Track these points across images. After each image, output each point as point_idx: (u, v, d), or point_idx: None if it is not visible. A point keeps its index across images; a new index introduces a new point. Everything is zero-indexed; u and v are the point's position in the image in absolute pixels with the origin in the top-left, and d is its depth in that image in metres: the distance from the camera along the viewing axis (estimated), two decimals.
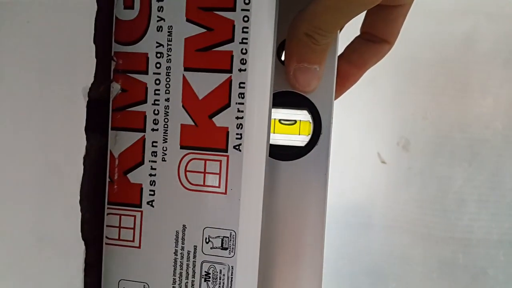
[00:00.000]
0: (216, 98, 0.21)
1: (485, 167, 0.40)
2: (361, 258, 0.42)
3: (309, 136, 0.25)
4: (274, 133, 0.27)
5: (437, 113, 0.41)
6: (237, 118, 0.21)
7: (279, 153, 0.26)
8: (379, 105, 0.42)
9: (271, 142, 0.26)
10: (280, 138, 0.26)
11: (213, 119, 0.21)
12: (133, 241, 0.22)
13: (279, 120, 0.26)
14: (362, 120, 0.41)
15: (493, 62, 0.41)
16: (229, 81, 0.21)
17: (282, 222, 0.26)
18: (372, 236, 0.42)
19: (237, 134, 0.21)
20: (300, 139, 0.26)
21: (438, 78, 0.41)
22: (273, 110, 0.26)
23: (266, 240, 0.24)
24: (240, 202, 0.21)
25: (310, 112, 0.25)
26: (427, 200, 0.41)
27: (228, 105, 0.21)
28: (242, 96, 0.21)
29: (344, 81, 0.26)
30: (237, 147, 0.21)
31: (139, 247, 0.22)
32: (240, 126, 0.21)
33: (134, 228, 0.22)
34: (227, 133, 0.21)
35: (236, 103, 0.21)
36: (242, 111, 0.21)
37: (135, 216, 0.22)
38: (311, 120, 0.25)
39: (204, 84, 0.21)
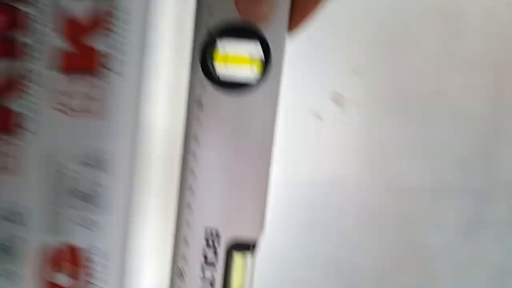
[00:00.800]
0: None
1: (416, 118, 0.42)
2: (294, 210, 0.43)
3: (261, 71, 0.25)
4: (226, 66, 0.26)
5: (369, 66, 0.42)
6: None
7: (230, 87, 0.26)
8: (310, 59, 0.43)
9: (221, 75, 0.26)
10: (231, 72, 0.26)
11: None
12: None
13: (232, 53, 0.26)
14: (295, 74, 0.42)
15: (425, 15, 0.43)
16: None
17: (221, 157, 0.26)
18: (312, 190, 0.43)
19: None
20: (251, 74, 0.26)
21: (371, 30, 0.43)
22: (222, 42, 0.26)
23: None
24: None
25: (261, 45, 0.25)
26: (361, 152, 0.43)
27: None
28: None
29: (301, 8, 0.25)
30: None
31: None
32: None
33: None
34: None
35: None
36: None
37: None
38: (262, 55, 0.25)
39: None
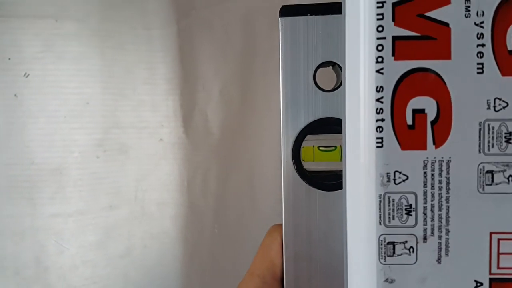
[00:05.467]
0: None
1: None
2: None
3: None
4: (314, 161, 0.26)
5: None
6: None
7: (320, 182, 0.25)
8: None
9: (313, 169, 0.26)
10: (321, 166, 0.26)
11: None
12: None
13: (318, 147, 0.26)
14: None
15: None
16: None
17: None
18: None
19: None
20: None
21: None
22: (311, 137, 0.26)
23: None
24: None
25: None
26: None
27: None
28: None
29: None
30: None
31: None
32: None
33: None
34: None
35: None
36: None
37: None
38: None
39: None
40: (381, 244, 0.20)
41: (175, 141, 0.39)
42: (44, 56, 0.36)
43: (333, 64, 0.25)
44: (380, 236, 0.20)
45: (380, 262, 0.20)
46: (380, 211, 0.20)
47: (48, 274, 0.37)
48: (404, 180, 0.20)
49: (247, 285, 0.26)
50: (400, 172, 0.20)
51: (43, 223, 0.36)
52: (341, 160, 0.25)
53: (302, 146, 0.26)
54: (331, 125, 0.25)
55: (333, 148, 0.26)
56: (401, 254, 0.20)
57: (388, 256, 0.20)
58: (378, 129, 0.20)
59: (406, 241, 0.20)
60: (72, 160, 0.37)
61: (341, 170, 0.24)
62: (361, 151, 0.20)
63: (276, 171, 0.27)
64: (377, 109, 0.20)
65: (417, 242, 0.20)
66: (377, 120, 0.20)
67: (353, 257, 0.20)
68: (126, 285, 0.39)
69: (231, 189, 0.40)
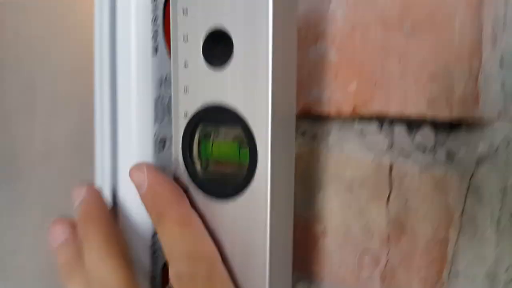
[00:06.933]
0: None
1: None
2: None
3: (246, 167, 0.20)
4: (212, 154, 0.21)
5: None
6: None
7: (214, 189, 0.21)
8: None
9: (210, 172, 0.21)
10: (219, 166, 0.21)
11: None
12: None
13: (217, 141, 0.21)
14: None
15: None
16: None
17: None
18: None
19: None
20: (241, 165, 0.21)
21: None
22: (203, 126, 0.21)
23: None
24: None
25: (245, 133, 0.20)
26: None
27: None
28: None
29: None
30: None
31: None
32: None
33: None
34: None
35: None
36: None
37: None
38: (246, 144, 0.20)
39: None
40: None
41: None
42: None
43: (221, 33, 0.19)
44: None
45: None
46: None
47: None
48: None
49: None
50: None
51: None
52: (240, 158, 0.20)
53: (200, 139, 0.21)
54: (224, 115, 0.20)
55: (231, 142, 0.21)
56: None
57: None
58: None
59: None
60: None
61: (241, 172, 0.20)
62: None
63: None
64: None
65: None
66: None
67: None
68: None
69: None
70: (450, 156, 0.21)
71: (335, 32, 0.23)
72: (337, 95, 0.23)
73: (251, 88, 0.19)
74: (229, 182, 0.21)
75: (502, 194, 0.20)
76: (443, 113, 0.20)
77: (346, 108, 0.23)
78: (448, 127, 0.21)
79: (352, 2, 0.23)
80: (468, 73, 0.19)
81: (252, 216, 0.20)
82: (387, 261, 0.23)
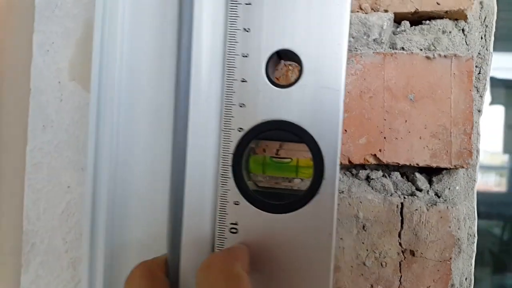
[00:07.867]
0: None
1: None
2: None
3: (310, 181, 0.21)
4: (264, 174, 0.21)
5: None
6: None
7: (271, 203, 0.20)
8: None
9: (261, 187, 0.21)
10: (273, 182, 0.21)
11: None
12: None
13: (271, 157, 0.21)
14: None
15: None
16: None
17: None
18: None
19: None
20: (299, 184, 0.21)
21: None
22: (263, 143, 0.21)
23: None
24: None
25: (310, 148, 0.21)
26: None
27: None
28: None
29: None
30: None
31: None
32: None
33: None
34: None
35: None
36: None
37: None
38: (311, 159, 0.21)
39: None
40: None
41: None
42: None
43: (288, 54, 0.21)
44: None
45: None
46: None
47: None
48: None
49: None
50: None
51: None
52: (297, 175, 0.21)
53: (249, 154, 0.21)
54: (286, 131, 0.21)
55: (289, 160, 0.21)
56: None
57: None
58: None
59: None
60: None
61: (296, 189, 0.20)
62: None
63: None
64: None
65: None
66: None
67: None
68: None
69: None
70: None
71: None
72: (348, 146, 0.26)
73: (320, 106, 0.21)
74: (284, 196, 0.20)
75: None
76: (444, 163, 0.25)
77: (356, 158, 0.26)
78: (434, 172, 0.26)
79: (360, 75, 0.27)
80: (463, 133, 0.25)
81: (317, 225, 0.20)
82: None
